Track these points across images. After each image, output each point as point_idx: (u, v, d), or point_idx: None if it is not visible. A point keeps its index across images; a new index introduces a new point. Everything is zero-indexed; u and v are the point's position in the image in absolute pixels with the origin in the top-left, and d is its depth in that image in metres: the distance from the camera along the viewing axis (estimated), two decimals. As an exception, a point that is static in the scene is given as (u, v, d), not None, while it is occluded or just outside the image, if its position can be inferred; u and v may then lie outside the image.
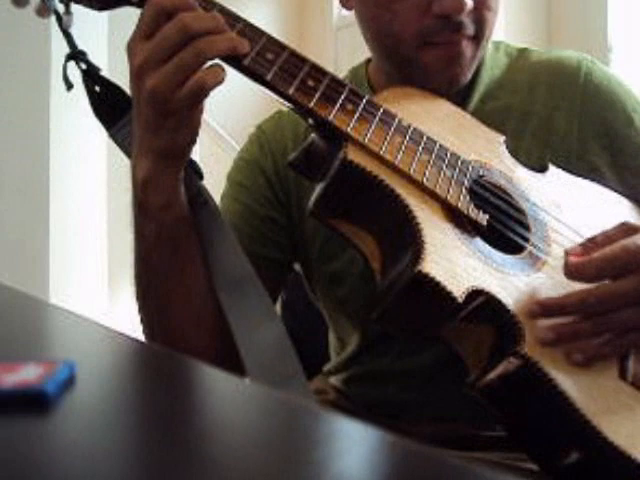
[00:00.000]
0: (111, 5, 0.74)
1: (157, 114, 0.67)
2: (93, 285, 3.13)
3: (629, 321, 0.67)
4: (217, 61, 0.67)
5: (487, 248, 0.70)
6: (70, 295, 2.94)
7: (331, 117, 0.69)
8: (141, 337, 0.80)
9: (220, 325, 0.72)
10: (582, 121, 0.87)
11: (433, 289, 0.63)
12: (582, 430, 0.63)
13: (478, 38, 0.80)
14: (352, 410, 0.90)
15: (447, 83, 0.81)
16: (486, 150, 0.78)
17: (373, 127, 0.70)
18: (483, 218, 0.71)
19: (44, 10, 0.74)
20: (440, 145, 0.73)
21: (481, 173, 0.75)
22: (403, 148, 0.70)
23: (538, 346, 0.65)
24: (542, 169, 0.81)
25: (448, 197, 0.70)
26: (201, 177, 0.78)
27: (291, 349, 0.69)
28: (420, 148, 0.72)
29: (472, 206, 0.71)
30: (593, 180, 0.84)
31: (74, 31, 0.75)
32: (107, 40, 2.87)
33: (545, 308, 0.67)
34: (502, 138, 0.81)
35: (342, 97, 0.70)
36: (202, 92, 0.66)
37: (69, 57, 0.75)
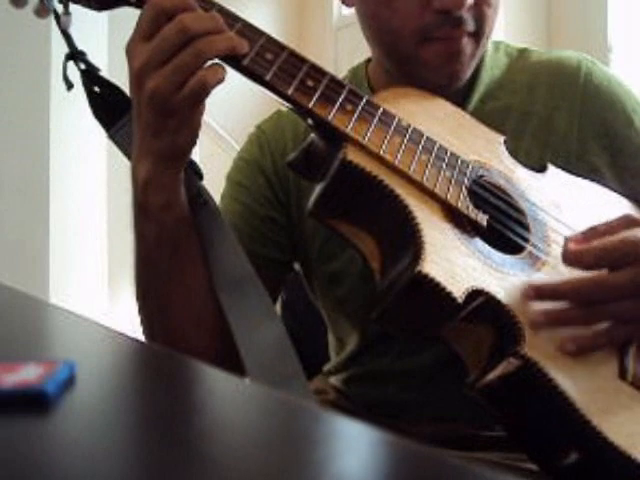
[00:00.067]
0: (109, 5, 0.74)
1: (158, 115, 0.67)
2: (93, 285, 3.13)
3: (624, 313, 0.67)
4: (216, 61, 0.67)
5: (487, 248, 0.70)
6: (70, 295, 2.94)
7: (330, 117, 0.69)
8: (141, 337, 0.80)
9: (220, 325, 0.72)
10: (582, 121, 0.87)
11: (433, 289, 0.63)
12: (582, 430, 0.63)
13: (478, 35, 0.80)
14: (352, 410, 0.91)
15: (447, 79, 0.81)
16: (486, 150, 0.78)
17: (372, 127, 0.70)
18: (483, 218, 0.71)
19: (43, 10, 0.74)
20: (439, 145, 0.73)
21: (480, 173, 0.75)
22: (402, 148, 0.70)
23: (538, 346, 0.65)
24: (542, 169, 0.81)
25: (447, 197, 0.70)
26: (201, 177, 0.78)
27: (291, 349, 0.69)
28: (419, 148, 0.72)
29: (472, 206, 0.71)
30: (593, 180, 0.84)
31: (74, 31, 0.75)
32: (107, 40, 2.87)
33: (538, 291, 0.67)
34: (502, 138, 0.81)
35: (341, 97, 0.70)
36: (204, 91, 0.66)
37: (68, 57, 0.75)
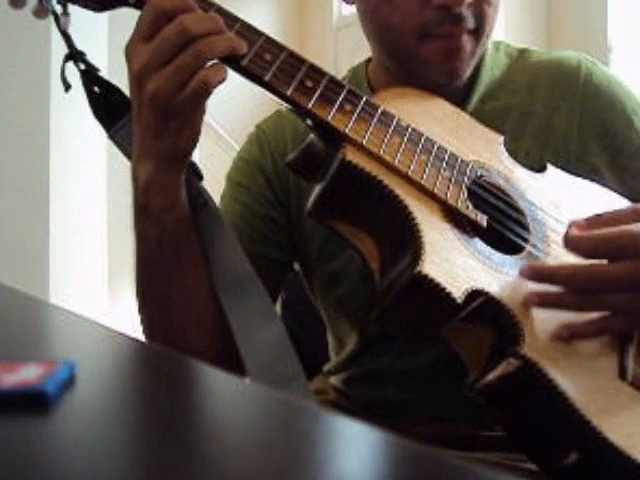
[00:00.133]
0: (108, 6, 0.74)
1: (158, 117, 0.67)
2: (93, 285, 3.13)
3: (624, 305, 0.68)
4: (215, 61, 0.67)
5: (486, 248, 0.70)
6: (70, 295, 2.94)
7: (329, 118, 0.69)
8: (141, 337, 0.80)
9: (220, 325, 0.72)
10: (582, 122, 0.87)
11: (432, 290, 0.63)
12: (582, 430, 0.63)
13: (478, 33, 0.80)
14: (352, 410, 0.91)
15: (447, 77, 0.81)
16: (485, 150, 0.78)
17: (372, 128, 0.70)
18: (482, 218, 0.71)
19: (41, 11, 0.74)
20: (439, 145, 0.73)
21: (480, 173, 0.75)
22: (402, 149, 0.70)
23: (538, 347, 0.65)
24: (541, 169, 0.82)
25: (447, 197, 0.70)
26: (201, 178, 0.78)
27: (291, 349, 0.69)
28: (419, 148, 0.72)
29: (471, 206, 0.71)
30: (592, 181, 0.84)
31: (74, 32, 0.75)
32: (107, 41, 2.87)
33: (535, 272, 0.68)
34: (501, 138, 0.81)
35: (340, 98, 0.70)
36: (206, 91, 0.66)
37: (67, 58, 0.75)
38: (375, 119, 0.71)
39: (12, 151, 2.95)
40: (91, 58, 0.76)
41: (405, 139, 0.71)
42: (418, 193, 0.69)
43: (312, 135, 0.73)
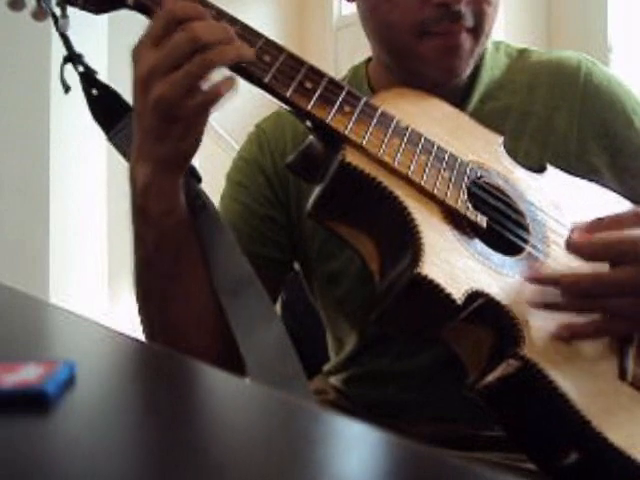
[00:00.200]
0: (106, 8, 0.74)
1: (162, 121, 0.67)
2: (93, 285, 3.12)
3: (625, 309, 0.68)
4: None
5: (486, 249, 0.70)
6: (70, 295, 2.94)
7: (329, 119, 0.69)
8: (141, 337, 0.80)
9: (221, 326, 0.72)
10: (582, 122, 0.87)
11: (432, 291, 0.63)
12: (582, 431, 0.63)
13: (477, 31, 0.80)
14: (352, 410, 0.91)
15: (445, 74, 0.81)
16: (484, 151, 0.78)
17: (371, 129, 0.70)
18: (482, 219, 0.71)
19: (40, 14, 0.74)
20: (438, 146, 0.73)
21: (479, 174, 0.75)
22: (401, 150, 0.70)
23: (538, 348, 0.65)
24: (541, 169, 0.81)
25: (447, 198, 0.70)
26: (199, 180, 0.78)
27: (291, 349, 0.69)
28: (418, 149, 0.72)
29: (471, 207, 0.71)
30: (592, 181, 0.84)
31: (73, 34, 0.75)
32: (107, 43, 2.87)
33: (539, 277, 0.69)
34: (500, 139, 0.81)
35: (340, 99, 0.70)
36: (216, 100, 0.66)
37: (66, 60, 0.75)
38: (374, 120, 0.71)
39: (12, 151, 2.95)
40: (91, 60, 0.76)
41: (405, 140, 0.71)
42: (418, 194, 0.69)
43: (311, 136, 0.73)
